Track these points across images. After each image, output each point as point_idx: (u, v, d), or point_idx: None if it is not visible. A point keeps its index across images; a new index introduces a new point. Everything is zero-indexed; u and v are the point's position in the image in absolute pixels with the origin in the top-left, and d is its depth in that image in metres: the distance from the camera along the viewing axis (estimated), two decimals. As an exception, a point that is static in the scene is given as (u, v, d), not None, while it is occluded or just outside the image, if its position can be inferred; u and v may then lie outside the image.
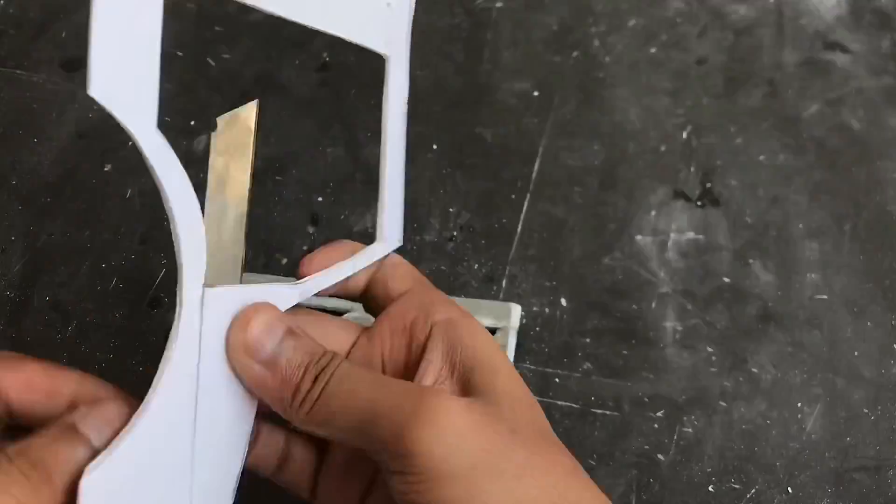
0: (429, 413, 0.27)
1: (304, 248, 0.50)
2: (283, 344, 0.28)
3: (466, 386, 0.29)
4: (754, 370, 0.46)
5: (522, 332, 0.47)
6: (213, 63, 0.57)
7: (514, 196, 0.52)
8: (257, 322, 0.28)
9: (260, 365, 0.28)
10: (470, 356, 0.30)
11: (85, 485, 0.25)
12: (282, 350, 0.28)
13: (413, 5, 0.33)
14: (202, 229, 0.28)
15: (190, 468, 0.28)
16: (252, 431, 0.30)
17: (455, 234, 0.50)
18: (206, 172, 0.53)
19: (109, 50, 0.23)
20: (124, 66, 0.23)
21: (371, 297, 0.34)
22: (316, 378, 0.28)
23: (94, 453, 0.26)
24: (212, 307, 0.28)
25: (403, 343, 0.32)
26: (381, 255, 0.34)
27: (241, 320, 0.28)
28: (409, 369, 0.32)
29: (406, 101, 0.35)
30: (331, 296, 0.34)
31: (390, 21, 0.32)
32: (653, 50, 0.58)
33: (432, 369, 0.30)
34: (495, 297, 0.48)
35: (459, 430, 0.27)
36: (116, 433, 0.26)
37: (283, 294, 0.31)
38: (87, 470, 0.25)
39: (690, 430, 0.44)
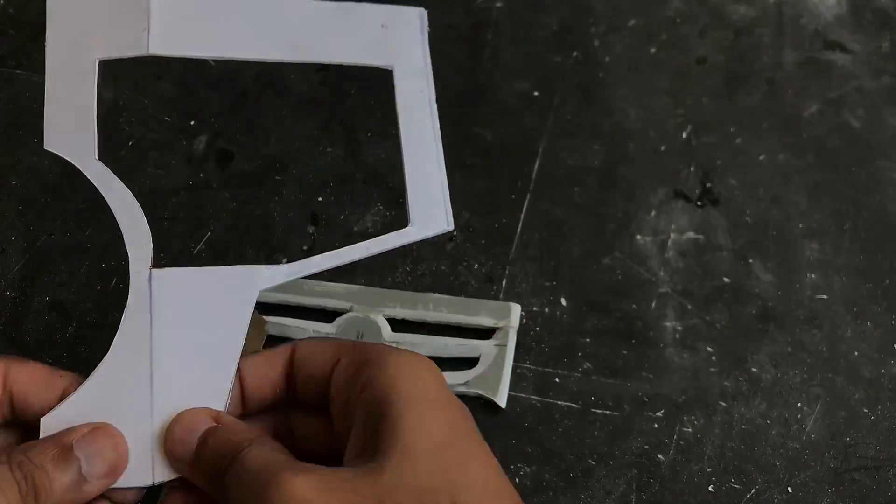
0: (263, 500, 0.27)
1: (304, 248, 0.50)
2: (201, 443, 0.31)
3: (373, 442, 0.28)
4: (754, 370, 0.46)
5: (522, 332, 0.47)
6: (213, 63, 0.57)
7: (514, 196, 0.52)
8: (178, 427, 0.31)
9: (187, 466, 0.31)
10: (379, 408, 0.29)
11: (44, 423, 0.31)
12: (200, 449, 0.31)
13: (423, 20, 0.38)
14: (144, 223, 0.35)
15: (150, 420, 0.32)
16: (231, 385, 0.32)
17: (455, 234, 0.50)
18: (205, 172, 0.53)
19: (57, 115, 0.35)
20: (68, 123, 0.35)
21: (302, 392, 0.33)
22: (230, 466, 0.29)
23: (82, 479, 0.29)
24: (159, 284, 0.34)
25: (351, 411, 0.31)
26: (414, 239, 0.36)
27: (167, 428, 0.31)
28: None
29: (431, 99, 0.38)
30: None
31: (389, 38, 0.38)
32: (653, 50, 0.58)
33: (354, 433, 0.30)
34: (495, 297, 0.48)
35: None
36: (107, 463, 0.30)
37: (242, 275, 0.34)
38: (45, 416, 0.31)
39: (690, 429, 0.44)
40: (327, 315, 0.47)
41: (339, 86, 0.56)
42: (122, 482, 0.31)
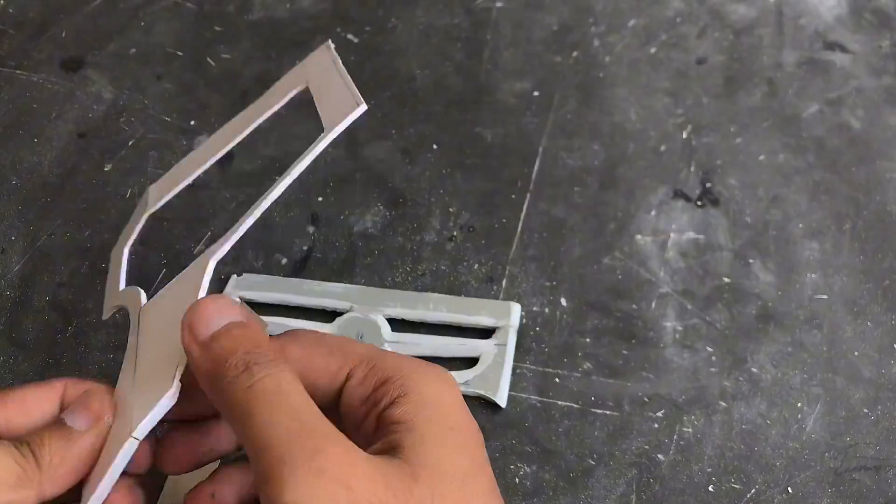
0: (309, 462, 0.25)
1: (304, 247, 0.50)
2: (226, 328, 0.28)
3: (393, 447, 0.28)
4: (754, 370, 0.46)
5: (522, 332, 0.47)
6: (213, 63, 0.57)
7: (514, 196, 0.52)
8: (210, 305, 0.29)
9: (198, 344, 0.28)
10: (403, 431, 0.28)
11: None
12: (223, 332, 0.28)
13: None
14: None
15: (133, 385, 0.32)
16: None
17: (455, 234, 0.50)
18: (205, 172, 0.53)
19: None
20: None
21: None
22: (247, 367, 0.27)
23: (70, 430, 0.30)
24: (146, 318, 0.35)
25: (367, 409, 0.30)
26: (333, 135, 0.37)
27: (193, 305, 0.29)
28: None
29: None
30: None
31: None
32: (653, 50, 0.59)
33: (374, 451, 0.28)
34: (495, 297, 0.48)
35: (337, 487, 0.25)
36: (95, 416, 0.30)
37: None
38: None
39: (690, 430, 0.44)
40: (327, 315, 0.47)
41: (339, 86, 0.56)
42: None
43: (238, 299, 0.47)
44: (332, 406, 0.30)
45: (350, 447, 0.26)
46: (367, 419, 0.29)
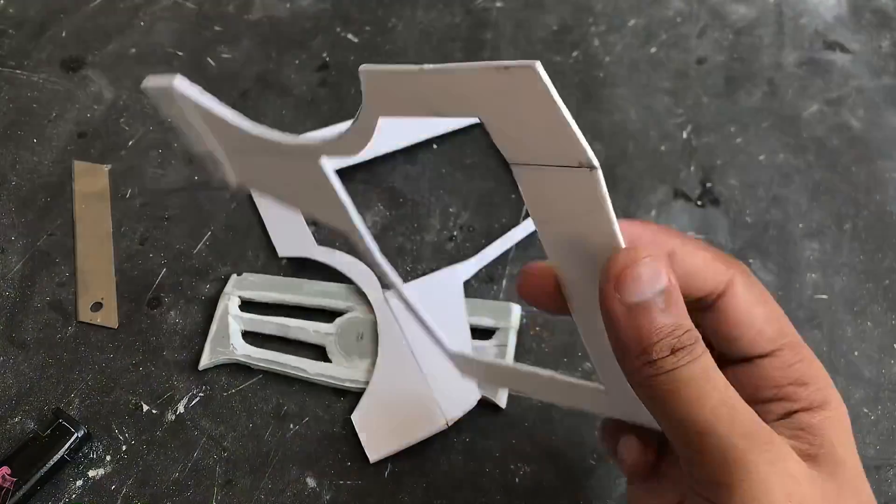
0: (765, 472, 0.25)
1: (304, 247, 0.50)
2: (658, 299, 0.26)
3: (809, 456, 0.28)
4: (754, 370, 0.46)
5: (522, 332, 0.47)
6: (213, 63, 0.57)
7: (513, 196, 0.52)
8: (645, 268, 0.26)
9: (622, 305, 0.27)
10: (822, 426, 0.29)
11: (355, 418, 0.43)
12: (653, 304, 0.26)
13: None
14: (366, 268, 0.47)
15: (428, 387, 0.43)
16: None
17: (455, 234, 0.50)
18: (205, 172, 0.53)
19: (279, 233, 0.49)
20: (289, 236, 0.50)
21: (714, 315, 0.31)
22: (673, 351, 0.26)
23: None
24: (392, 299, 0.46)
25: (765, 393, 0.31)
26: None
27: (627, 255, 0.26)
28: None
29: None
30: None
31: None
32: (653, 50, 0.59)
33: (786, 430, 0.29)
34: (495, 297, 0.48)
35: (788, 481, 0.26)
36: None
37: (446, 275, 0.47)
38: (354, 413, 0.43)
39: (690, 429, 0.44)
40: (327, 315, 0.47)
41: (339, 86, 0.56)
42: (421, 434, 0.42)
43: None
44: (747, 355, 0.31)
45: (795, 459, 0.27)
46: (771, 403, 0.30)
